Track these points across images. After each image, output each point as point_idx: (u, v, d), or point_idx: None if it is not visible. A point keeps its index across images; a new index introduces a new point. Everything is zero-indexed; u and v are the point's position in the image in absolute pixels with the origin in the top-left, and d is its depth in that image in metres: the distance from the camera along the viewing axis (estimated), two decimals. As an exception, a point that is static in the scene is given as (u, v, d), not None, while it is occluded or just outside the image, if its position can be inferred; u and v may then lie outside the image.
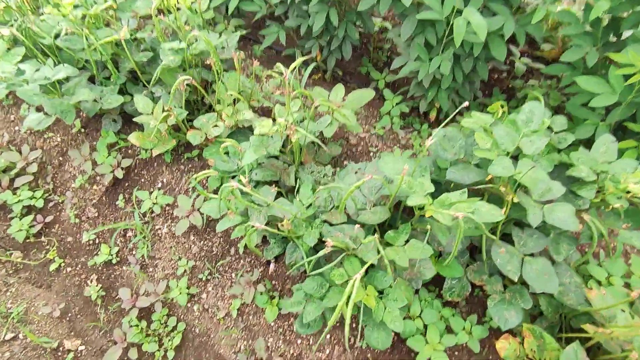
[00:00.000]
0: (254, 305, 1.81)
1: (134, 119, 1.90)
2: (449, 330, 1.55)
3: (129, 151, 2.21)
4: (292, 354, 1.70)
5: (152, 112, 1.92)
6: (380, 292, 1.35)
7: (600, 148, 1.53)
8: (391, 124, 2.39)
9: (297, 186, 1.70)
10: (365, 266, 1.09)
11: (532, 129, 1.37)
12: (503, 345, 1.37)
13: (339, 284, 1.31)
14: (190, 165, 2.19)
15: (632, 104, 1.68)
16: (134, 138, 1.90)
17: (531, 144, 1.33)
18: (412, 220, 1.41)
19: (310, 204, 1.56)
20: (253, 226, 1.27)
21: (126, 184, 2.17)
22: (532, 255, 1.37)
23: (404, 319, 1.48)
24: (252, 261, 1.90)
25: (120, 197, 2.12)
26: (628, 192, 1.29)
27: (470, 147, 1.47)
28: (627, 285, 1.52)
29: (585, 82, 1.61)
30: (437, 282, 1.65)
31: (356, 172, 1.72)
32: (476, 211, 1.17)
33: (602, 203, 1.40)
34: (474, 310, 1.66)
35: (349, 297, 1.03)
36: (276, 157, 1.88)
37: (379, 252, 1.30)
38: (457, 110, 1.28)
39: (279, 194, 1.64)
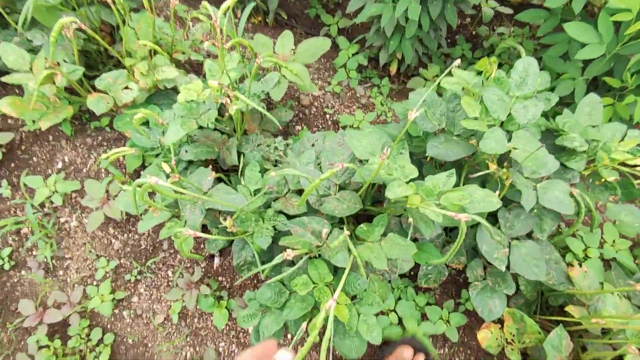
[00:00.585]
0: (199, 307, 1.52)
1: (3, 79, 1.36)
2: (424, 319, 1.40)
3: (9, 121, 1.66)
4: (249, 358, 1.47)
5: (31, 69, 1.39)
6: (353, 297, 1.12)
7: (585, 109, 1.36)
8: (348, 79, 2.06)
9: (240, 165, 1.35)
10: (337, 292, 0.83)
11: (526, 92, 1.13)
12: (485, 335, 1.25)
13: (302, 294, 1.05)
14: (100, 138, 1.71)
15: (614, 56, 1.51)
16: (7, 106, 1.38)
17: (525, 112, 1.11)
18: (387, 207, 1.16)
19: (259, 189, 1.24)
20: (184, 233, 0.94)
21: (11, 166, 1.65)
22: (518, 238, 1.21)
23: (377, 315, 1.28)
24: (192, 256, 1.57)
25: (4, 183, 1.61)
26: (625, 165, 1.15)
27: (452, 113, 1.22)
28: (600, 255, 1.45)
29: (574, 29, 1.39)
30: (409, 266, 1.47)
31: (313, 145, 1.40)
32: (471, 200, 0.94)
33: (592, 175, 1.25)
34: (448, 292, 1.53)
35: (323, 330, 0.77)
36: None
37: (349, 251, 1.05)
38: (447, 70, 1.00)
39: (218, 179, 1.29)
